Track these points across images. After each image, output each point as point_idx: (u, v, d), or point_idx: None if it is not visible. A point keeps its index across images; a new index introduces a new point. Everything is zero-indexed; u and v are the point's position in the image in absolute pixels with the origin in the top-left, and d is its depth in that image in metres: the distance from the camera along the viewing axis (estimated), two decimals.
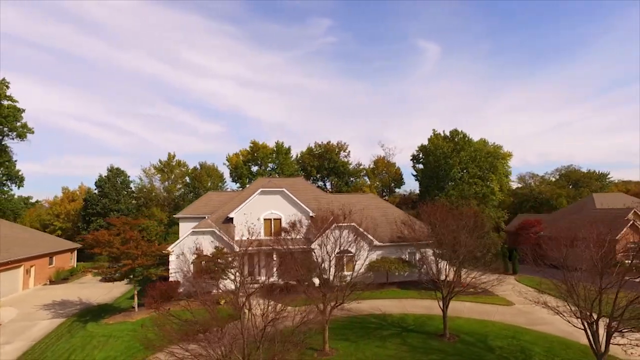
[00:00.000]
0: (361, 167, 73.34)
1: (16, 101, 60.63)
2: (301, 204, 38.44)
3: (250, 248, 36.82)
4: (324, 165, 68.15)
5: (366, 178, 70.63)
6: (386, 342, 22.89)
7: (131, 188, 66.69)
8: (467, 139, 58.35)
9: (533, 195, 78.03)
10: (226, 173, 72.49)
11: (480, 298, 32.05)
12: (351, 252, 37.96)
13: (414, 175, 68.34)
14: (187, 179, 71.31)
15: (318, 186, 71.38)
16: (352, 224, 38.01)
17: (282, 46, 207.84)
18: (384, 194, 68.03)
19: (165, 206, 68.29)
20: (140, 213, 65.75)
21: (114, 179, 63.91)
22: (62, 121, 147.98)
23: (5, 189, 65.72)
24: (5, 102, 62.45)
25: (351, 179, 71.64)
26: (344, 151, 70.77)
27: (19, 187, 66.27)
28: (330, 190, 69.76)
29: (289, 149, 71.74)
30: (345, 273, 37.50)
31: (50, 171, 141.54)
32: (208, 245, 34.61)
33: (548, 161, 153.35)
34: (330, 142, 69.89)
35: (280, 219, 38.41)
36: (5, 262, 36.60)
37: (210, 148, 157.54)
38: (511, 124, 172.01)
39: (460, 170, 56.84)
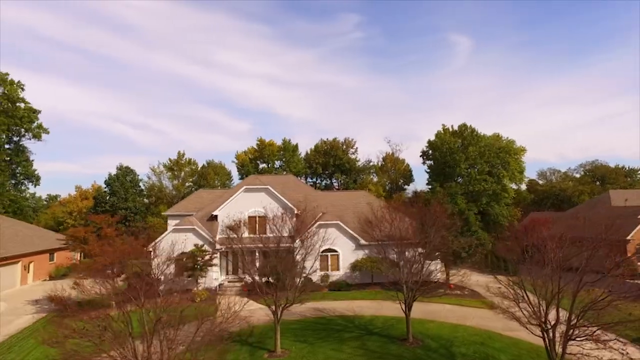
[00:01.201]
0: (371, 164, 72.03)
1: (28, 102, 62.37)
2: (286, 201, 37.70)
3: (230, 246, 36.48)
4: (330, 163, 67.12)
5: (374, 175, 69.16)
6: (343, 345, 21.89)
7: (140, 187, 67.64)
8: (475, 133, 56.00)
9: (553, 192, 74.64)
10: (234, 171, 72.75)
11: (464, 300, 30.52)
12: (336, 251, 37.17)
13: (427, 172, 66.41)
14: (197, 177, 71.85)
15: (325, 184, 70.56)
16: (337, 222, 37.05)
17: (311, 43, 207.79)
18: (391, 191, 66.38)
19: (174, 204, 68.91)
20: (149, 211, 66.63)
21: (122, 178, 64.98)
22: (97, 122, 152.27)
23: (22, 187, 68.06)
24: (22, 105, 64.48)
25: (361, 176, 70.37)
26: (352, 147, 69.58)
27: (35, 186, 68.33)
28: (337, 188, 68.72)
29: (296, 147, 71.13)
30: (329, 272, 36.77)
31: (86, 171, 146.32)
32: (189, 243, 34.36)
33: (587, 156, 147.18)
34: (336, 138, 68.96)
35: (265, 217, 37.75)
36: (1, 258, 37.38)
37: (240, 146, 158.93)
38: (545, 116, 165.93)
39: (468, 167, 54.61)
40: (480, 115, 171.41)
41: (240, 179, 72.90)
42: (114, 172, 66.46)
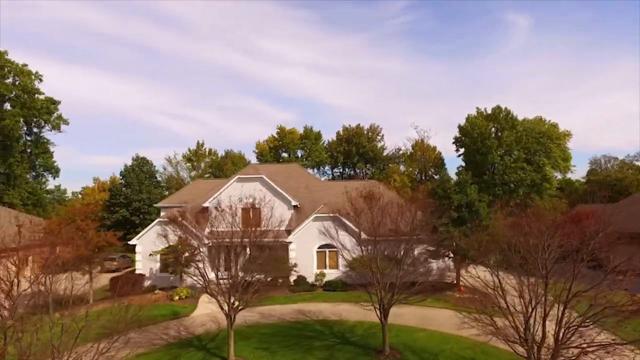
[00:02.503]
0: (401, 152, 68.79)
1: (42, 93, 63.59)
2: (282, 191, 35.74)
3: (216, 240, 34.88)
4: (353, 151, 64.43)
5: (402, 165, 65.87)
6: (309, 356, 19.80)
7: (157, 178, 67.79)
8: (511, 116, 51.68)
9: (608, 182, 68.41)
10: (254, 161, 71.47)
11: (471, 306, 27.32)
12: (335, 247, 34.80)
13: (464, 161, 62.41)
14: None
15: (348, 174, 68.03)
16: (335, 214, 34.66)
17: (357, 28, 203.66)
18: (420, 182, 62.74)
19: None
20: None
21: (138, 169, 65.25)
22: (140, 114, 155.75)
23: (42, 179, 69.92)
24: (42, 96, 65.91)
25: (390, 165, 67.27)
26: (377, 135, 66.51)
27: (54, 178, 70.00)
28: (361, 178, 65.95)
29: (318, 134, 68.99)
30: (326, 271, 34.48)
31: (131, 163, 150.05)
32: (176, 237, 33.10)
33: None
34: (360, 125, 65.97)
35: (259, 209, 35.94)
36: None
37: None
38: (608, 102, 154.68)
39: (502, 154, 50.50)
40: (535, 100, 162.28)
41: None
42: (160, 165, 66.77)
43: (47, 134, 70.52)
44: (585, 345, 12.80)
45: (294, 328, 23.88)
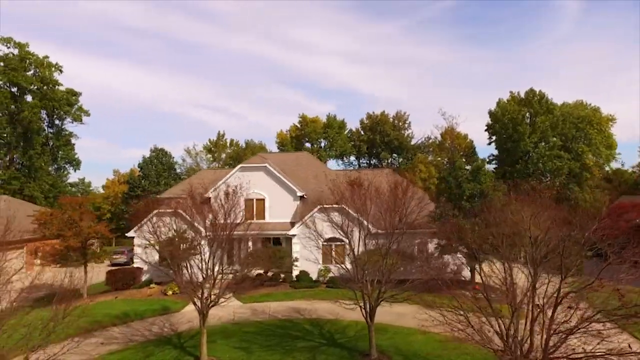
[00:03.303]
0: (431, 140, 66.30)
1: (61, 84, 64.81)
2: (287, 181, 34.63)
3: (215, 233, 34.19)
4: (377, 140, 62.54)
5: (431, 154, 63.50)
6: (288, 357, 18.79)
7: (176, 170, 68.16)
8: (545, 100, 48.50)
9: None
10: (275, 151, 70.70)
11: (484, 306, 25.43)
12: (342, 241, 33.44)
13: (495, 148, 59.45)
14: None
15: (372, 164, 66.22)
16: (342, 205, 33.25)
17: (394, 15, 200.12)
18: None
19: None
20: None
21: (156, 161, 65.74)
22: (175, 107, 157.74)
23: (64, 172, 71.57)
24: (62, 88, 67.32)
25: (418, 155, 64.99)
26: (404, 122, 64.31)
27: (75, 170, 71.52)
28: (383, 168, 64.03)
29: (342, 123, 67.39)
30: (331, 266, 33.15)
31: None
32: (172, 229, 32.63)
33: None
34: (384, 112, 63.92)
35: (263, 200, 35.05)
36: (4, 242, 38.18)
37: None
38: None
39: (536, 142, 47.51)
40: (584, 89, 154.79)
41: None
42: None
43: (69, 126, 72.16)
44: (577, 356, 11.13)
45: (282, 327, 22.81)
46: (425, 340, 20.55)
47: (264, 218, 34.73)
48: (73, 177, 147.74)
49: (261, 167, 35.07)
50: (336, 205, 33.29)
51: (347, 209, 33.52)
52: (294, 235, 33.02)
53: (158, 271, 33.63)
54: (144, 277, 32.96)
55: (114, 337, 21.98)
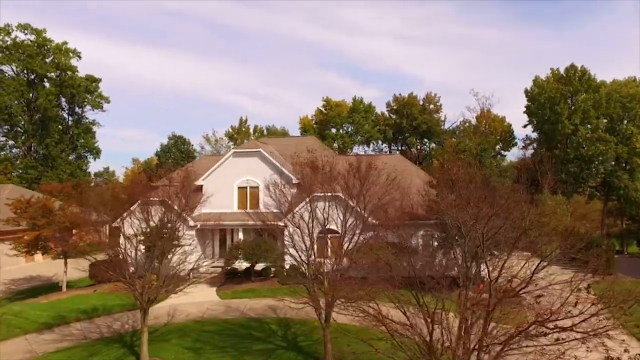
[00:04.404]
0: (467, 124, 63.21)
1: (77, 70, 65.93)
2: (282, 168, 33.39)
3: (204, 223, 33.60)
4: (403, 124, 60.12)
5: (466, 139, 60.45)
6: None
7: (195, 157, 68.32)
8: (587, 77, 44.64)
9: None
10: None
11: None
12: (338, 233, 31.98)
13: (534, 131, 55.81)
14: None
15: (400, 150, 63.89)
16: (337, 193, 31.70)
17: None
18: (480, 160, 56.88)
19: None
20: None
21: (175, 149, 66.14)
22: (220, 94, 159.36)
23: (84, 161, 73.29)
24: (81, 74, 68.68)
25: (453, 139, 62.18)
26: (433, 105, 61.51)
27: (95, 159, 73.08)
28: (415, 155, 61.70)
29: (369, 107, 65.27)
30: (327, 261, 31.70)
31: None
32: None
33: None
34: (412, 94, 61.21)
35: (257, 187, 33.95)
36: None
37: None
38: None
39: (577, 122, 43.92)
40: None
41: None
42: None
43: (90, 114, 73.77)
44: None
45: (247, 326, 21.76)
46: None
47: (257, 207, 33.67)
48: (96, 166, 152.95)
49: (255, 152, 34.00)
50: (331, 194, 31.86)
51: (343, 197, 32.10)
52: (285, 226, 31.81)
53: (144, 263, 33.45)
54: (131, 269, 32.67)
55: (70, 334, 21.65)
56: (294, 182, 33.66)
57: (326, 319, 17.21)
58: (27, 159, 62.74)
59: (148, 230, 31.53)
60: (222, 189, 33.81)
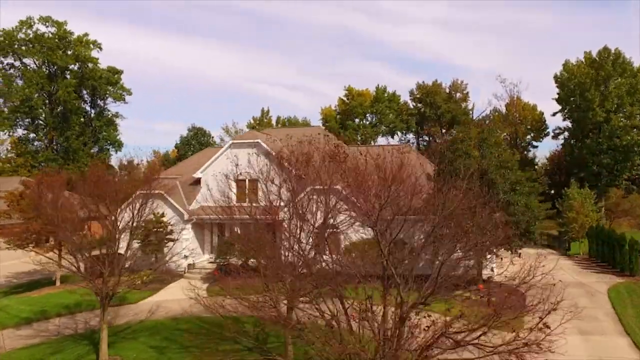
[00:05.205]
0: (496, 113, 60.80)
1: (97, 61, 67.03)
2: (284, 161, 32.67)
3: (199, 217, 33.38)
4: (427, 114, 58.35)
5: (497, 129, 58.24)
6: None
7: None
8: (621, 60, 41.89)
9: None
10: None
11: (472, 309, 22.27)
12: (336, 228, 31.14)
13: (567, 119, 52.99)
14: None
15: (424, 140, 62.24)
16: (336, 186, 30.79)
17: None
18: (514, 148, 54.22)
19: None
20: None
21: (194, 141, 66.58)
22: (257, 87, 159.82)
23: (107, 153, 74.73)
24: (102, 66, 69.86)
25: (471, 129, 59.83)
26: (460, 92, 59.44)
27: (116, 152, 74.34)
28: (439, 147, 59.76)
29: (393, 96, 63.68)
30: (325, 257, 30.90)
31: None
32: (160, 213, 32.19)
33: None
34: (437, 81, 59.24)
35: (257, 180, 33.35)
36: None
37: None
38: None
39: (608, 110, 41.36)
40: None
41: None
42: None
43: (112, 106, 74.92)
44: None
45: (220, 325, 21.05)
46: None
47: (257, 200, 33.18)
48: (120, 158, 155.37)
49: (253, 143, 33.53)
50: (329, 187, 31.03)
51: (340, 190, 31.22)
52: (282, 220, 31.19)
53: (141, 257, 33.51)
54: (126, 264, 32.81)
55: (46, 330, 21.75)
56: (294, 173, 33.01)
57: (286, 318, 16.44)
58: (48, 152, 64.38)
59: (142, 224, 31.61)
60: (220, 182, 33.47)
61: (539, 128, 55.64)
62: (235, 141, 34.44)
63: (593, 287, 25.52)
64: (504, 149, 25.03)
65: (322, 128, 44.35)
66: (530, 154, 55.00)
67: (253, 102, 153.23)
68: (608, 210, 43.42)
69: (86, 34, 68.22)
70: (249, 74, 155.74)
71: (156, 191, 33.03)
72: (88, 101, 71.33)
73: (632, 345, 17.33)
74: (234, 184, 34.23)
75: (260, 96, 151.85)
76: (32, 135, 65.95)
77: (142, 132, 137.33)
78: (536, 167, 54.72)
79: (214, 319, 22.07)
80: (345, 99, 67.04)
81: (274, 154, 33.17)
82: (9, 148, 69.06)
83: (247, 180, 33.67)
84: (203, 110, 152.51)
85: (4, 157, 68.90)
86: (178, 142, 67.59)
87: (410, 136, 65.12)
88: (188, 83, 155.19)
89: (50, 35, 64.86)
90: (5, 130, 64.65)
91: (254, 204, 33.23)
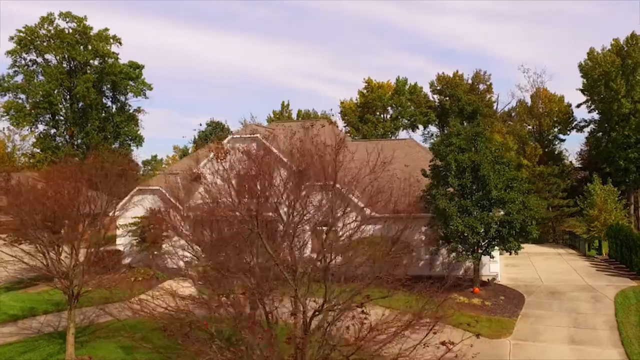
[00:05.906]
0: (522, 105, 58.83)
1: (117, 56, 68.00)
2: (280, 155, 32.33)
3: (197, 214, 33.47)
4: (447, 107, 56.92)
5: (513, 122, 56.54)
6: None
7: None
8: None
9: None
10: (339, 122, 68.05)
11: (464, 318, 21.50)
12: (334, 227, 30.61)
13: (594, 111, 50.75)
14: None
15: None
16: (335, 184, 30.27)
17: None
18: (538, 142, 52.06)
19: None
20: None
21: (212, 135, 66.80)
22: (290, 80, 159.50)
23: (128, 149, 75.99)
24: (122, 61, 70.94)
25: (508, 124, 58.21)
26: (484, 84, 57.69)
27: (137, 147, 75.53)
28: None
29: (414, 88, 62.32)
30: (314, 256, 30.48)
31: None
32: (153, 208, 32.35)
33: None
34: (458, 72, 57.64)
35: (256, 176, 33.22)
36: None
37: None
38: None
39: (636, 101, 39.37)
40: None
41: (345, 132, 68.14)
42: None
43: (133, 101, 76.01)
44: None
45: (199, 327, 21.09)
46: None
47: (251, 198, 33.05)
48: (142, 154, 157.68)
49: (252, 138, 33.24)
50: (320, 184, 30.54)
51: (339, 187, 30.66)
52: (280, 218, 30.91)
53: (138, 254, 33.87)
54: (125, 261, 33.24)
55: (28, 328, 22.17)
56: (294, 169, 32.67)
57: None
58: (68, 147, 65.82)
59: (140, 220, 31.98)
60: (218, 178, 33.45)
61: (566, 120, 53.48)
62: (235, 135, 34.37)
63: (601, 292, 24.24)
64: (496, 144, 24.11)
65: (327, 121, 43.74)
66: (559, 148, 53.04)
67: (275, 95, 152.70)
68: (638, 209, 41.63)
69: (106, 29, 69.33)
70: (273, 66, 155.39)
71: (155, 187, 33.54)
72: (109, 96, 72.69)
73: (624, 356, 16.25)
74: (234, 179, 34.32)
75: (284, 89, 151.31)
76: (53, 130, 67.66)
77: (177, 125, 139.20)
78: (564, 161, 52.81)
79: (195, 319, 22.03)
80: (364, 91, 66.07)
81: (273, 149, 32.97)
82: (34, 141, 70.74)
83: (244, 176, 33.58)
84: (230, 104, 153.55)
85: (29, 152, 71.04)
86: (196, 137, 68.01)
87: (434, 129, 63.85)
88: (214, 76, 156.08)
89: (71, 30, 66.19)
90: (28, 126, 66.64)
91: (254, 200, 33.26)
